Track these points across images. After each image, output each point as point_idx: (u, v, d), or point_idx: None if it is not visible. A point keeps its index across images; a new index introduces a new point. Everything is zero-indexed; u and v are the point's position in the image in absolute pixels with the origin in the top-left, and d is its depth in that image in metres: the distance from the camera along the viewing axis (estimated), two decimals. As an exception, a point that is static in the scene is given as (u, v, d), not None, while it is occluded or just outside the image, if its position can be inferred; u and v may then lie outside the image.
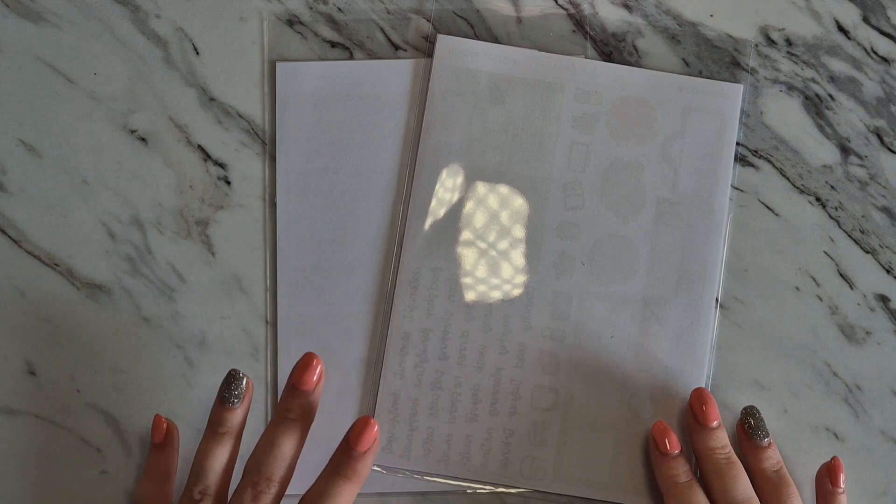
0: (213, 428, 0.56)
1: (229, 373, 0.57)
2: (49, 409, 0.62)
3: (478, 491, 0.61)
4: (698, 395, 0.59)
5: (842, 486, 0.59)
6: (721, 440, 0.59)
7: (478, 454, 0.61)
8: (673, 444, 0.59)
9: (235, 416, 0.56)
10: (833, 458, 0.60)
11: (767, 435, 0.59)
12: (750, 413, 0.60)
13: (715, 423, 0.59)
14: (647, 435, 0.61)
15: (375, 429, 0.55)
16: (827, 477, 0.59)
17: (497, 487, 0.61)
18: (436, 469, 0.61)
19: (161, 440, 0.60)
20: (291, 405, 0.55)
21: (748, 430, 0.59)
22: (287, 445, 0.55)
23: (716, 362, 0.63)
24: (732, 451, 0.59)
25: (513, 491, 0.61)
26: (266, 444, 0.55)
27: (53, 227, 0.63)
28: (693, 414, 0.59)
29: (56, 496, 0.62)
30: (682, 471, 0.58)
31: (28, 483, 0.62)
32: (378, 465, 0.62)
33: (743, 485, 0.57)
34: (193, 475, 0.55)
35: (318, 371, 0.56)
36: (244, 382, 0.57)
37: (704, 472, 0.59)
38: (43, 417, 0.62)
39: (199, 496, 0.54)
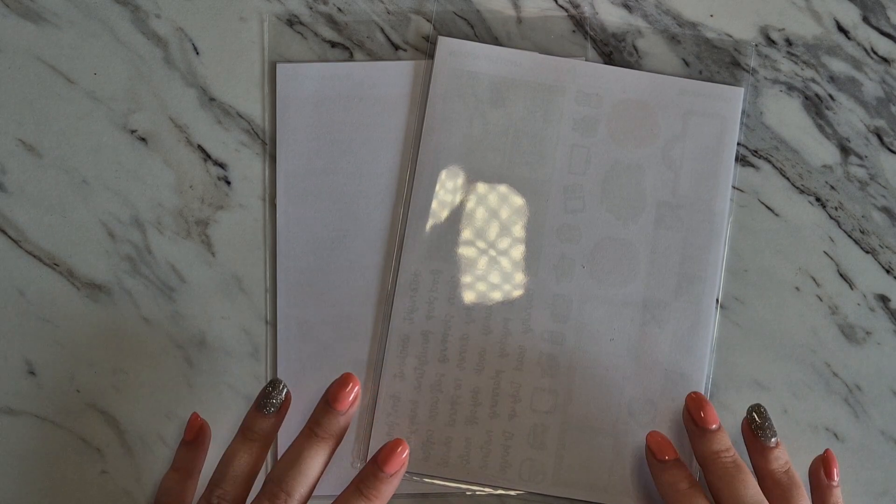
0: (244, 432, 0.56)
1: (271, 380, 0.57)
2: (49, 409, 0.62)
3: (477, 493, 0.61)
4: (695, 399, 0.58)
5: (836, 479, 0.58)
6: (724, 443, 0.57)
7: (477, 457, 0.61)
8: (670, 451, 0.58)
9: (267, 424, 0.57)
10: (826, 450, 0.59)
11: (776, 434, 0.57)
12: (757, 412, 0.58)
13: (715, 426, 0.57)
14: (645, 440, 0.61)
15: (406, 453, 0.55)
16: (821, 470, 0.58)
17: (496, 490, 0.61)
18: (435, 471, 0.61)
19: (192, 439, 0.59)
20: (322, 422, 0.56)
21: (756, 429, 0.57)
22: (311, 462, 0.54)
23: (716, 362, 0.63)
24: (737, 453, 0.57)
25: (512, 493, 0.61)
26: (291, 459, 0.55)
27: (53, 227, 0.63)
28: (692, 419, 0.58)
29: (56, 496, 0.62)
30: (683, 476, 0.56)
31: (28, 483, 0.62)
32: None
33: (752, 489, 0.55)
34: (216, 478, 0.55)
35: (353, 392, 0.56)
36: (283, 394, 0.57)
37: (710, 478, 0.56)
38: (43, 417, 0.62)
39: (217, 500, 0.54)
